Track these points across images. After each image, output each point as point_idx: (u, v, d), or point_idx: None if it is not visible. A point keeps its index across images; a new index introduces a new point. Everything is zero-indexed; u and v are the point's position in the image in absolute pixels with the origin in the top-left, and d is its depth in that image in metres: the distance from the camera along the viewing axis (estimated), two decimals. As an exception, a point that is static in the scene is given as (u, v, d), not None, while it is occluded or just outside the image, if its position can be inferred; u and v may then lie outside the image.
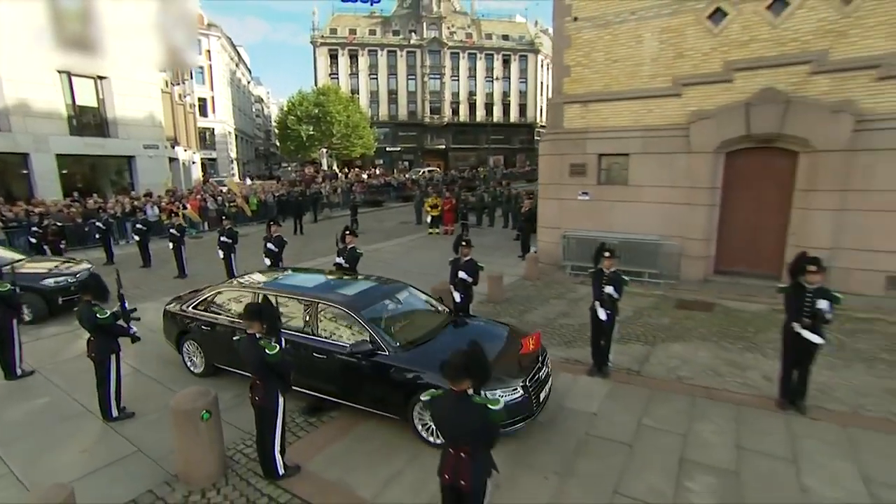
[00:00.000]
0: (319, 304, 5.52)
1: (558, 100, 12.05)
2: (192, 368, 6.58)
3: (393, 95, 53.40)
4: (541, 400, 4.94)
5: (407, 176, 38.19)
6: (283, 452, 4.38)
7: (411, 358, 4.96)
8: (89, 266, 9.93)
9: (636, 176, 11.17)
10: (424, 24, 52.27)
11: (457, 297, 7.16)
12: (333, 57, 51.94)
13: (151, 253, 13.72)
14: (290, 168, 52.29)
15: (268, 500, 4.15)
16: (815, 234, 9.38)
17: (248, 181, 37.94)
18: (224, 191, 25.61)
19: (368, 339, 5.03)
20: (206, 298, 6.42)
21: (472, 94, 54.91)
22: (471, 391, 2.95)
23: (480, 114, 55.49)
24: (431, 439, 4.73)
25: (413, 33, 52.40)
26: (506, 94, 56.02)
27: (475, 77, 54.74)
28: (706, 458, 4.49)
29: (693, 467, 4.38)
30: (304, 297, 5.70)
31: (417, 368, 4.82)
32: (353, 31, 51.76)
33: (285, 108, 44.81)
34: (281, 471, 4.34)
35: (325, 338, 5.37)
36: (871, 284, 9.15)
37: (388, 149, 52.08)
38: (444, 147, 54.41)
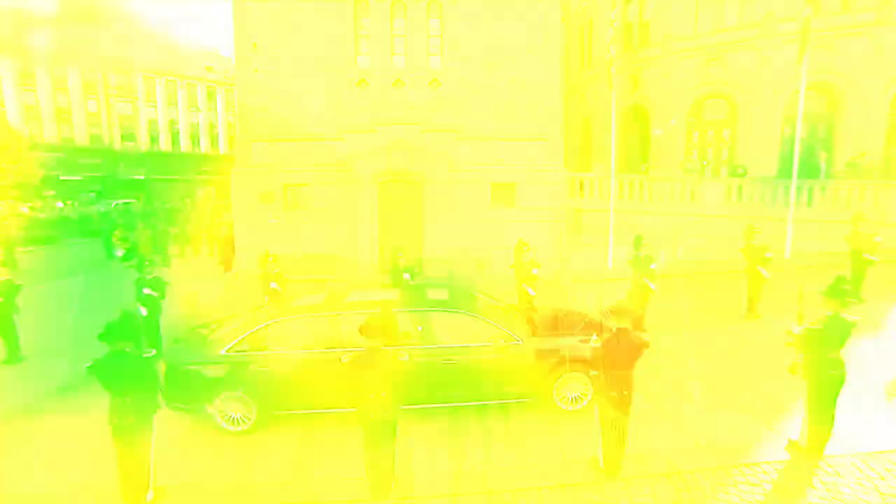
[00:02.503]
0: (432, 315, 5.22)
1: (247, 138, 12.74)
2: (230, 428, 4.96)
3: (64, 116, 42.42)
4: None
5: (97, 207, 31.24)
6: None
7: (544, 342, 5.23)
8: None
9: (315, 202, 12.80)
10: (105, 41, 43.73)
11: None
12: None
13: None
14: None
15: None
16: (439, 236, 12.85)
17: None
18: None
19: (499, 333, 5.04)
20: (253, 334, 5.04)
21: (174, 122, 48.72)
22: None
23: (185, 143, 49.77)
24: (571, 407, 5.14)
25: (90, 50, 43.11)
26: (213, 126, 51.94)
27: (177, 105, 48.83)
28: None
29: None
30: (411, 309, 5.29)
31: (557, 349, 5.08)
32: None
33: None
34: None
35: (455, 344, 5.04)
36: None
37: (62, 177, 41.01)
38: (144, 178, 46.35)
